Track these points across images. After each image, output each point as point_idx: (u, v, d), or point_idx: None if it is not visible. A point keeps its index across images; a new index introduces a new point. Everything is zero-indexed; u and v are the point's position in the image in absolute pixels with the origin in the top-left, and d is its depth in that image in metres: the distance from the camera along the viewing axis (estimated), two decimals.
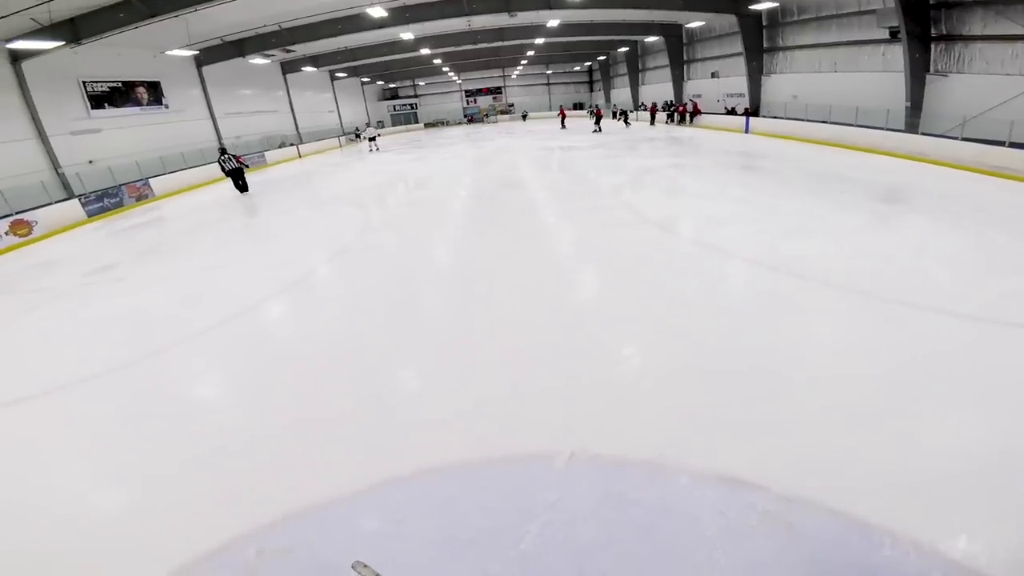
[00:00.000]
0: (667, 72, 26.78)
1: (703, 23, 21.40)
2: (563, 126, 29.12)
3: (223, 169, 14.49)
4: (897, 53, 13.46)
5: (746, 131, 19.44)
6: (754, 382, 3.64)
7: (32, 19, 10.70)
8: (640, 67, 31.81)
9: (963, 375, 3.55)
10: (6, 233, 11.12)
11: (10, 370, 5.05)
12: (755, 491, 2.65)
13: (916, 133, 12.43)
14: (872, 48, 14.84)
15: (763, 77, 19.94)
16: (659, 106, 27.45)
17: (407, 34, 19.30)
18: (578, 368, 4.02)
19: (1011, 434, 2.96)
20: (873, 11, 14.05)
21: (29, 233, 11.67)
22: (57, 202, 13.08)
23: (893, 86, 13.62)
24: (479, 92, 44.35)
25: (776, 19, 18.51)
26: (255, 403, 4.02)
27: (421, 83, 43.04)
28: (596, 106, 30.00)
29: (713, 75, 23.66)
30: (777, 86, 19.33)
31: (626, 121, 27.72)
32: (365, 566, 2.28)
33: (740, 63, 20.33)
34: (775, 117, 18.47)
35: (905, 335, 4.13)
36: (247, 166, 15.68)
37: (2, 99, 13.08)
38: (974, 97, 11.71)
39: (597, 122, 25.07)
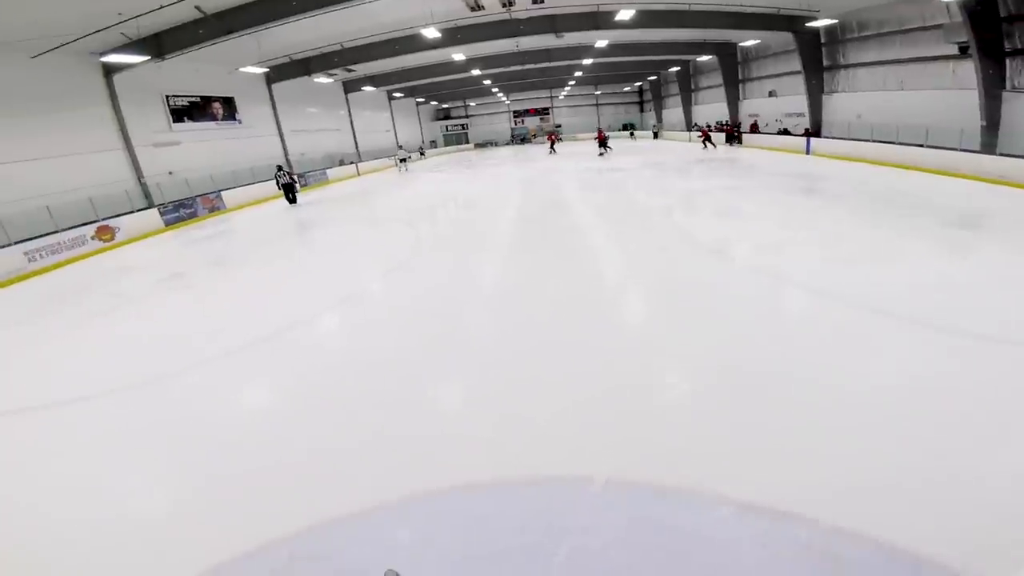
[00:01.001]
0: (721, 91, 26.34)
1: (758, 41, 20.95)
2: (552, 150, 28.45)
3: (278, 183, 17.14)
4: (968, 69, 12.65)
5: (807, 152, 18.77)
6: (804, 413, 3.46)
7: (122, 33, 11.77)
8: (693, 86, 31.41)
9: None
10: (92, 238, 12.25)
11: (83, 368, 5.45)
12: (799, 523, 2.52)
13: (993, 154, 11.54)
14: (940, 65, 14.04)
15: (824, 96, 19.20)
16: (713, 126, 26.68)
17: (458, 55, 20.04)
18: (619, 391, 3.94)
19: None
20: (939, 26, 13.34)
21: (112, 239, 12.80)
22: (138, 210, 14.30)
23: (966, 104, 12.74)
24: (527, 112, 45.13)
25: (836, 36, 17.88)
26: (303, 411, 4.16)
27: (472, 103, 44.29)
28: (600, 129, 29.70)
29: (771, 94, 23.06)
30: (840, 105, 18.56)
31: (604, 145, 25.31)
32: (397, 574, 2.31)
33: (799, 81, 19.69)
34: (838, 138, 17.72)
35: (972, 370, 3.82)
36: (298, 182, 18.33)
37: (97, 110, 14.35)
38: None
39: (601, 144, 25.10)
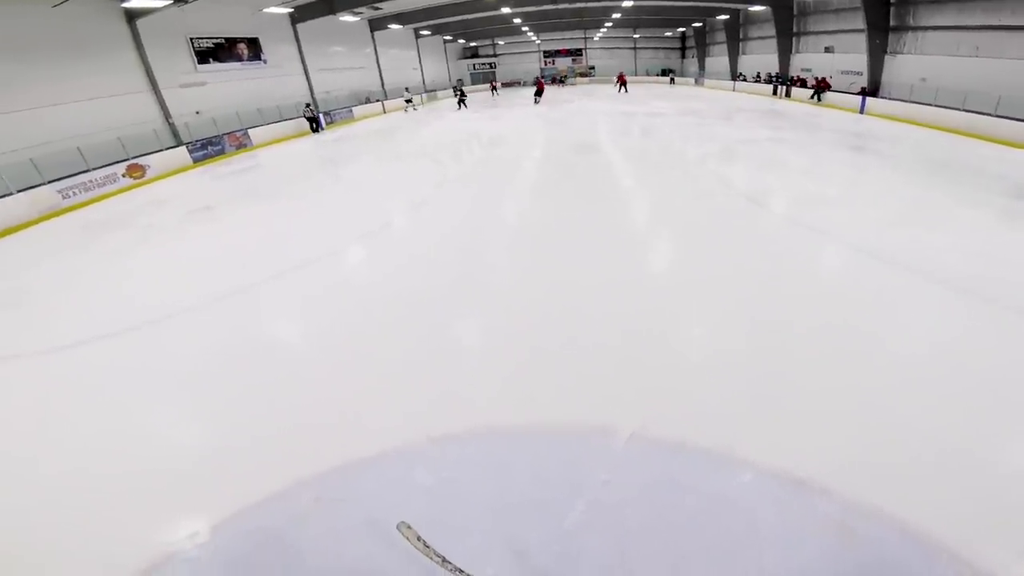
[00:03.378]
0: (770, 43, 24.64)
1: None
2: (537, 100, 26.16)
3: (305, 116, 20.00)
4: None
5: (861, 111, 17.62)
6: (838, 379, 3.37)
7: None
8: (741, 36, 29.29)
9: None
10: (123, 175, 12.38)
11: (122, 302, 5.57)
12: (819, 494, 2.51)
13: None
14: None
15: (886, 56, 17.79)
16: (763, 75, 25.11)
17: None
18: (650, 344, 3.87)
19: None
20: None
21: (143, 176, 12.93)
22: (167, 148, 14.29)
23: None
24: (558, 53, 42.73)
25: None
26: (327, 350, 4.20)
27: (500, 42, 42.12)
28: (537, 78, 29.51)
29: (827, 50, 21.44)
30: (903, 67, 17.22)
31: (462, 102, 25.78)
32: (409, 527, 2.38)
33: (859, 40, 18.28)
34: (897, 99, 16.50)
35: (1017, 347, 3.63)
36: (319, 118, 21.00)
37: (121, 55, 14.23)
38: None
39: (537, 93, 25.92)
